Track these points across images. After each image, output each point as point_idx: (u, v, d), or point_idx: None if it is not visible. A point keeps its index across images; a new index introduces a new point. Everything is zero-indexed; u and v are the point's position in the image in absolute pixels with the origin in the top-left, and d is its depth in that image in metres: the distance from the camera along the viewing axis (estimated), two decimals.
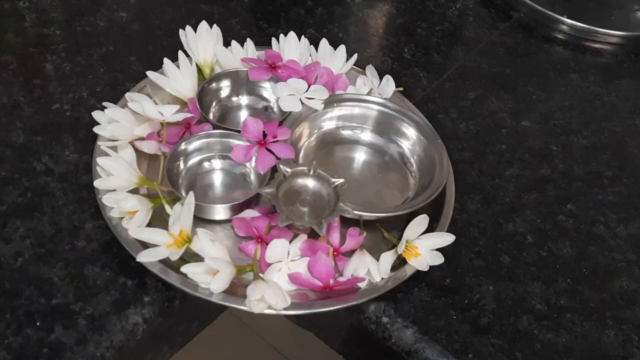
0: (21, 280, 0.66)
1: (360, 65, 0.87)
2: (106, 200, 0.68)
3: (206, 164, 0.76)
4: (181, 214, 0.66)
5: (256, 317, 0.64)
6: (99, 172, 0.70)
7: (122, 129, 0.72)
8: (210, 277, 0.63)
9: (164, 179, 0.71)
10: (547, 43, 1.03)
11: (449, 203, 0.75)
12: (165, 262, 0.65)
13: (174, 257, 0.64)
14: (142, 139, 0.74)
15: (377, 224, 0.73)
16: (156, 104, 0.77)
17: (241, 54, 0.83)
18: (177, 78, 0.79)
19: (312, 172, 0.70)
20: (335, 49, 0.85)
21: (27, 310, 0.64)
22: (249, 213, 0.71)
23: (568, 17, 1.04)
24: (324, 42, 0.85)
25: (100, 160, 0.69)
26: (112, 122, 0.72)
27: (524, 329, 0.69)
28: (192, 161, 0.75)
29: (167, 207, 0.69)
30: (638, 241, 0.77)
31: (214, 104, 0.82)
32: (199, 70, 0.82)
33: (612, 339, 0.69)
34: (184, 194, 0.70)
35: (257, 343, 1.63)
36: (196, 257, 0.66)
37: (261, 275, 0.66)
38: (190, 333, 0.78)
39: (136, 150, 0.73)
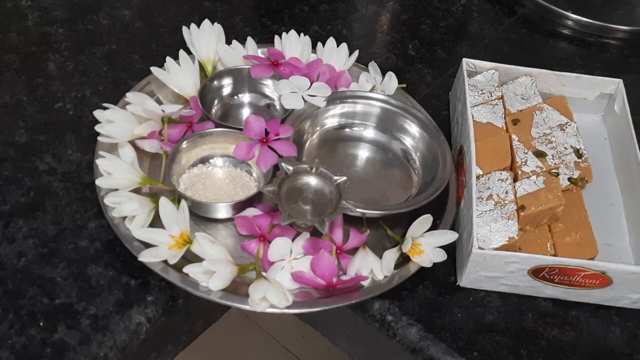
0: (24, 280, 0.66)
1: (365, 62, 0.86)
2: (108, 201, 0.68)
3: (208, 162, 0.76)
4: (178, 219, 0.66)
5: (262, 314, 0.64)
6: (100, 171, 0.70)
7: (121, 129, 0.72)
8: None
9: (166, 177, 0.71)
10: (552, 38, 1.02)
11: (452, 200, 0.75)
12: (167, 261, 0.65)
13: (174, 260, 0.64)
14: (144, 138, 0.73)
15: (380, 222, 0.73)
16: (160, 103, 0.77)
17: (242, 52, 0.83)
18: (179, 76, 0.79)
19: (314, 169, 0.70)
20: (338, 46, 0.85)
21: (30, 310, 0.64)
22: (251, 211, 0.71)
23: (573, 12, 1.03)
24: (330, 40, 0.85)
25: (99, 161, 0.69)
26: (109, 122, 0.72)
27: (529, 326, 0.69)
28: (194, 159, 0.75)
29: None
30: None
31: (216, 101, 0.82)
32: (202, 68, 0.82)
33: (617, 335, 0.69)
34: (186, 193, 0.70)
35: (264, 340, 1.63)
36: (199, 257, 0.66)
37: (264, 273, 0.66)
38: (194, 332, 0.77)
39: (138, 149, 0.73)
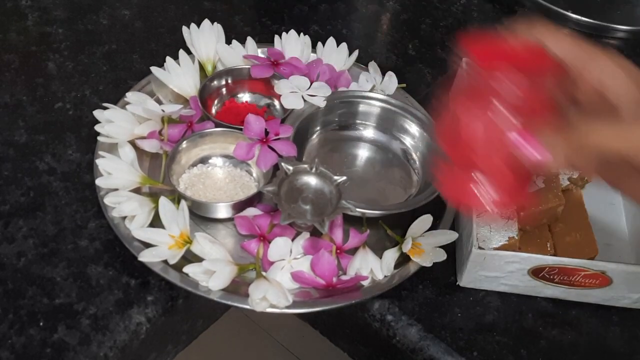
0: (24, 280, 0.66)
1: (365, 61, 0.86)
2: (107, 200, 0.68)
3: (208, 162, 0.76)
4: (177, 219, 0.66)
5: (262, 314, 0.64)
6: (100, 170, 0.70)
7: (121, 129, 0.72)
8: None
9: (166, 177, 0.71)
10: None
11: None
12: (167, 260, 0.65)
13: (174, 260, 0.64)
14: (143, 138, 0.73)
15: (379, 221, 0.73)
16: (160, 103, 0.77)
17: (242, 52, 0.83)
18: (179, 75, 0.79)
19: (314, 169, 0.70)
20: (338, 45, 0.85)
21: (30, 310, 0.64)
22: (251, 211, 0.70)
23: (573, 12, 1.03)
24: (330, 40, 0.85)
25: (99, 161, 0.69)
26: (109, 122, 0.72)
27: (529, 326, 0.69)
28: (194, 159, 0.75)
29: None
30: None
31: (216, 101, 0.81)
32: (202, 68, 0.82)
33: (617, 335, 0.69)
34: (186, 193, 0.70)
35: (264, 340, 1.63)
36: (198, 257, 0.66)
37: (263, 273, 0.66)
38: (194, 331, 0.77)
39: (138, 149, 0.73)
